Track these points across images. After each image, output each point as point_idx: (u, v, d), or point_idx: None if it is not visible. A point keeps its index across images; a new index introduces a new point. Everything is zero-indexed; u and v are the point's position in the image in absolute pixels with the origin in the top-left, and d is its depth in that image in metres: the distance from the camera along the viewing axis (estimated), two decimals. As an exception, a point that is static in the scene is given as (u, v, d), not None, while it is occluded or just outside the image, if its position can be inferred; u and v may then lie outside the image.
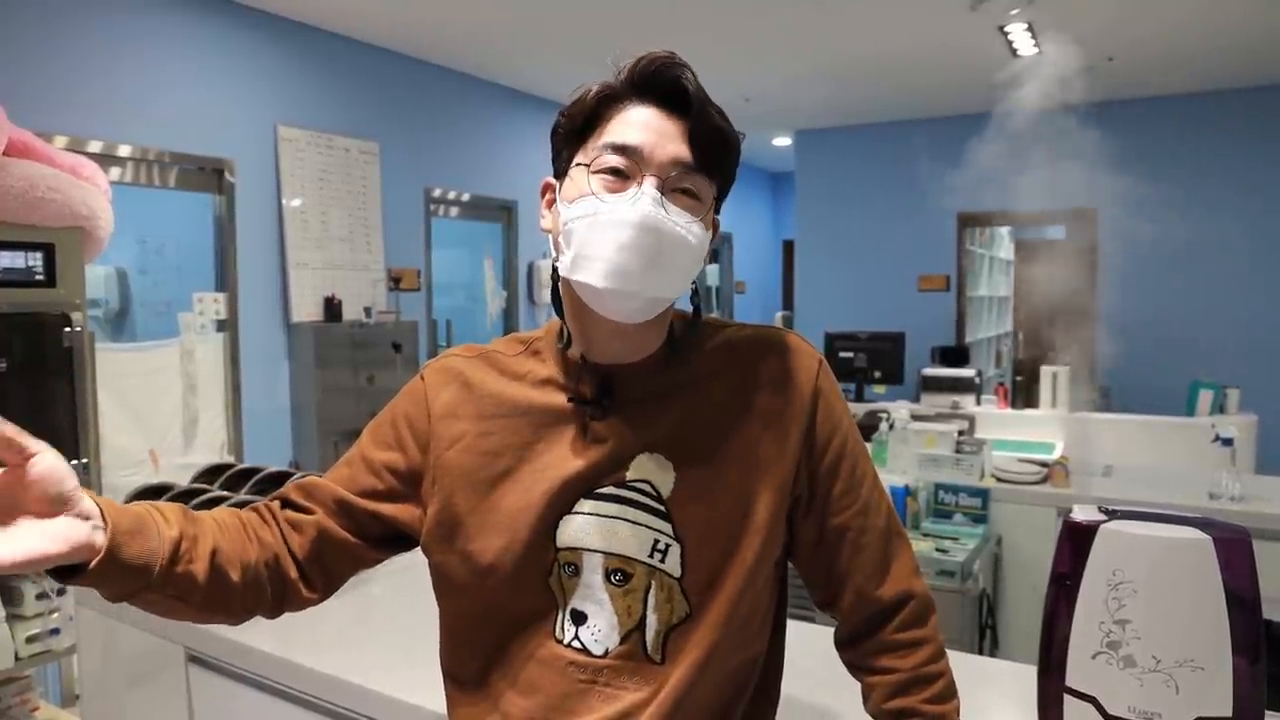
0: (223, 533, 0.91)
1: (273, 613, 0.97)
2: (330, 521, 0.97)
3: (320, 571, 0.98)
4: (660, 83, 0.90)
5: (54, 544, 0.74)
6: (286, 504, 0.99)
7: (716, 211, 0.96)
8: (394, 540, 1.01)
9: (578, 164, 0.91)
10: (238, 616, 0.94)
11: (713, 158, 0.90)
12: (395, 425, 1.00)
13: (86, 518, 0.77)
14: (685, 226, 0.88)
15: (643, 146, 0.88)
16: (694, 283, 0.94)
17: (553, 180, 0.97)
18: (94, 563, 0.77)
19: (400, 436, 0.99)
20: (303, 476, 1.87)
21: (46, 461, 0.74)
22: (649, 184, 0.87)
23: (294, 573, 0.96)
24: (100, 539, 0.78)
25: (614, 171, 0.88)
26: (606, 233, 0.86)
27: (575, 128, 0.93)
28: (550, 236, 0.95)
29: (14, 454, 0.73)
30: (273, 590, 0.94)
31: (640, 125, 0.89)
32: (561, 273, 0.92)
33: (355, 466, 1.00)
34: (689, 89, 0.89)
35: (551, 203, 0.96)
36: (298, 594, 0.97)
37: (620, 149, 0.88)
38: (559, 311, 0.97)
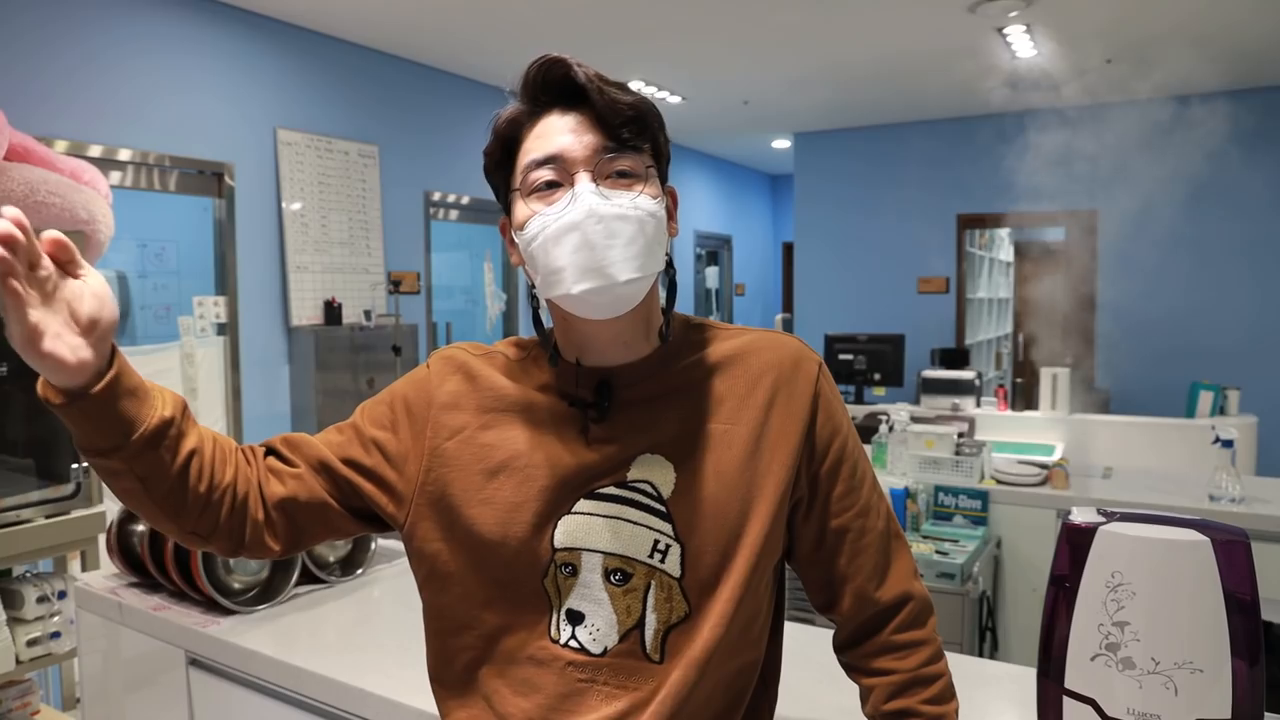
0: (209, 443, 0.92)
1: (230, 549, 0.96)
2: (312, 479, 0.98)
3: (288, 524, 0.97)
4: (553, 85, 0.91)
5: (70, 353, 0.77)
6: (271, 452, 1.00)
7: (663, 180, 0.96)
8: (367, 517, 1.01)
9: (513, 191, 0.93)
10: (187, 530, 0.93)
11: (631, 132, 0.90)
12: (393, 407, 1.01)
13: (105, 353, 0.81)
14: (630, 203, 0.88)
15: (562, 150, 0.89)
16: (668, 255, 0.95)
17: (505, 218, 0.98)
18: (93, 390, 0.80)
19: (395, 419, 1.00)
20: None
21: (99, 283, 0.79)
22: (581, 180, 0.88)
23: (261, 515, 0.95)
24: (105, 374, 0.81)
25: (547, 185, 0.90)
26: (559, 241, 0.87)
27: (498, 160, 0.95)
28: (524, 270, 0.97)
29: (68, 260, 0.78)
30: (234, 524, 0.94)
31: (553, 132, 0.90)
32: (540, 296, 0.95)
33: (346, 434, 1.01)
34: (578, 79, 0.89)
35: (513, 240, 0.96)
36: (260, 539, 0.96)
37: (543, 161, 0.90)
38: (539, 332, 1.00)
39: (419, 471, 0.97)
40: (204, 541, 0.95)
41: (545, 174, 0.90)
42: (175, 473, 0.88)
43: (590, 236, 0.86)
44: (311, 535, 1.00)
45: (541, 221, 0.89)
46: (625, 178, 0.90)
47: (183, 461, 0.88)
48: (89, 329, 0.78)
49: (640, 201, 0.89)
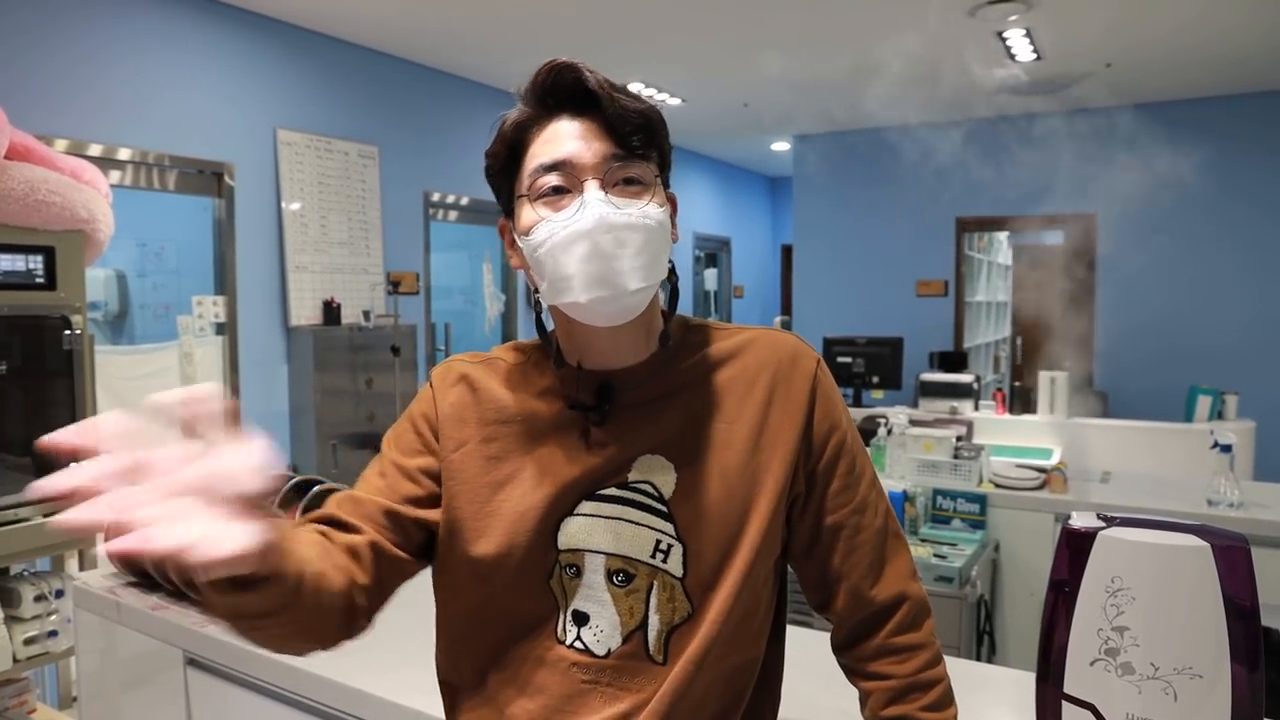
0: (320, 559, 0.83)
1: (333, 644, 0.87)
2: (381, 538, 0.92)
3: (378, 595, 0.91)
4: (563, 90, 0.91)
5: (247, 546, 0.58)
6: (334, 523, 0.92)
7: (665, 185, 0.96)
8: (432, 548, 0.97)
9: (519, 196, 0.92)
10: (330, 646, 0.86)
11: (640, 139, 0.91)
12: (417, 430, 0.99)
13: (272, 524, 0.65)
14: (639, 212, 0.89)
15: (571, 156, 0.89)
16: (670, 261, 0.95)
17: (505, 220, 0.98)
18: (265, 572, 0.70)
19: (425, 440, 0.99)
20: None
21: (260, 452, 0.63)
22: (590, 188, 0.88)
23: (362, 600, 0.88)
24: (281, 552, 0.71)
25: (555, 190, 0.89)
26: (568, 250, 0.87)
27: (503, 164, 0.95)
28: (523, 272, 0.96)
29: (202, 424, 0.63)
30: (339, 620, 0.86)
31: (562, 137, 0.90)
32: (545, 303, 0.94)
33: (390, 476, 0.96)
34: (589, 85, 0.89)
35: (512, 242, 0.96)
36: (359, 624, 0.89)
37: (551, 166, 0.89)
38: (543, 336, 0.99)
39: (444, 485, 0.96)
40: (317, 648, 0.86)
41: (553, 179, 0.89)
42: (309, 610, 0.79)
43: (600, 246, 0.87)
44: (392, 591, 0.94)
45: (549, 228, 0.88)
46: (633, 185, 0.91)
47: (315, 597, 0.79)
48: (244, 507, 0.61)
49: (648, 211, 0.90)
